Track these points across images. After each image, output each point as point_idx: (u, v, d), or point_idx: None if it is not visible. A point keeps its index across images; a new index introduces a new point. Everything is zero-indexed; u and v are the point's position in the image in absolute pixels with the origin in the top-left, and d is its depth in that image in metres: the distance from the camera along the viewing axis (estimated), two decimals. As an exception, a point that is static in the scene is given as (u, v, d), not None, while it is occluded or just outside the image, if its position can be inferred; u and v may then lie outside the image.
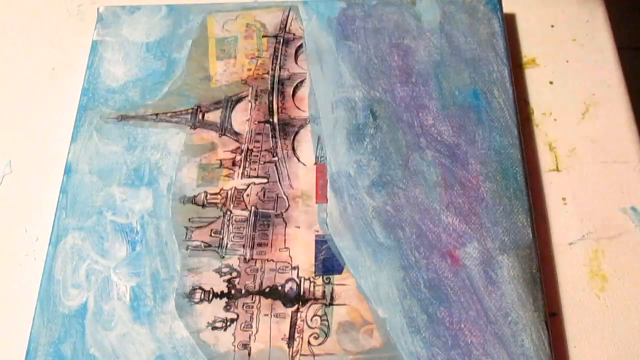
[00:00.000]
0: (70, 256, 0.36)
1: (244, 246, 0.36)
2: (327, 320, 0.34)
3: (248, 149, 0.39)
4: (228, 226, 0.37)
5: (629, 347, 0.34)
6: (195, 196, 0.38)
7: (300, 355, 0.33)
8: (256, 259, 0.36)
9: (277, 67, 0.43)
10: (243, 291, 0.35)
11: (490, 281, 0.34)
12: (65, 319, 0.34)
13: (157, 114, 0.41)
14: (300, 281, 0.35)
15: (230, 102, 0.41)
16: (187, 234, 0.37)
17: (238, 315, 0.34)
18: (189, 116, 0.41)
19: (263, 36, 0.44)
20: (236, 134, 0.40)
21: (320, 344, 0.33)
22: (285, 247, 0.36)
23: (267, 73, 0.42)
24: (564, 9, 0.46)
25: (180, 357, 0.33)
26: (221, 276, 0.35)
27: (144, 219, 0.37)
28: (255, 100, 0.41)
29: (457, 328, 0.33)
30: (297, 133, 0.40)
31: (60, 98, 0.44)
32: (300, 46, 0.43)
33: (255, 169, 0.39)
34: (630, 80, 0.42)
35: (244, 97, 0.42)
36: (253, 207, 0.37)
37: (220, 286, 0.35)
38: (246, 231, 0.37)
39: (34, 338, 0.34)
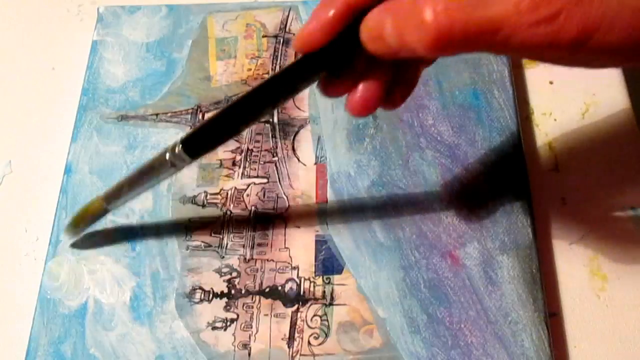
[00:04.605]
0: (70, 256, 0.36)
1: (244, 246, 0.36)
2: (327, 320, 0.34)
3: (248, 149, 0.39)
4: (228, 226, 0.37)
5: (629, 347, 0.34)
6: (195, 196, 0.38)
7: (300, 355, 0.33)
8: (256, 259, 0.36)
9: (277, 67, 0.43)
10: (243, 291, 0.35)
11: (490, 281, 0.34)
12: (65, 319, 0.34)
13: (157, 114, 0.41)
14: (300, 281, 0.35)
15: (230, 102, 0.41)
16: (187, 234, 0.37)
17: (238, 315, 0.34)
18: (189, 116, 0.41)
19: (263, 36, 0.44)
20: (236, 134, 0.40)
21: (320, 344, 0.33)
22: (285, 247, 0.36)
23: (267, 73, 0.42)
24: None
25: (180, 357, 0.33)
26: (221, 276, 0.35)
27: (144, 219, 0.37)
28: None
29: (457, 328, 0.33)
30: (297, 133, 0.40)
31: (60, 98, 0.44)
32: (300, 46, 0.43)
33: (255, 169, 0.39)
34: (630, 80, 0.42)
35: (244, 97, 0.42)
36: (253, 207, 0.37)
37: (220, 286, 0.35)
38: (246, 231, 0.37)
39: (34, 338, 0.34)
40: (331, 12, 0.25)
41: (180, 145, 0.29)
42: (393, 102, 0.28)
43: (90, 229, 0.36)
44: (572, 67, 0.24)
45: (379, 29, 0.24)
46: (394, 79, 0.28)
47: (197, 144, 0.29)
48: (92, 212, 0.35)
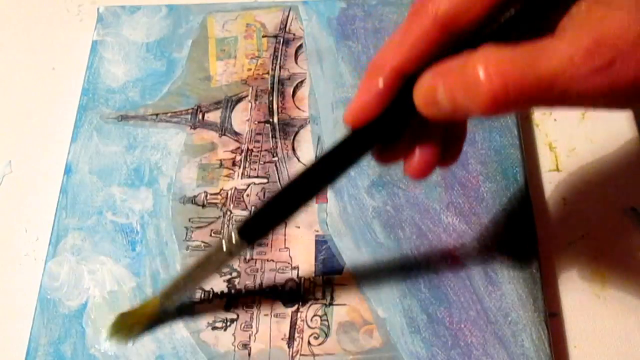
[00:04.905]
0: (70, 256, 0.36)
1: (244, 246, 0.36)
2: (327, 320, 0.34)
3: (248, 149, 0.39)
4: (228, 226, 0.37)
5: (629, 347, 0.34)
6: (195, 196, 0.38)
7: (300, 355, 0.33)
8: (256, 259, 0.36)
9: (277, 67, 0.43)
10: (243, 291, 0.35)
11: (490, 281, 0.34)
12: (65, 319, 0.34)
13: (157, 114, 0.41)
14: (300, 281, 0.35)
15: (230, 102, 0.41)
16: (187, 234, 0.37)
17: (238, 315, 0.34)
18: (189, 116, 0.41)
19: (263, 36, 0.44)
20: (236, 134, 0.40)
21: (320, 344, 0.33)
22: (285, 247, 0.36)
23: (267, 73, 0.42)
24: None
25: (180, 357, 0.33)
26: (221, 276, 0.35)
27: (144, 219, 0.37)
28: (255, 100, 0.41)
29: (457, 328, 0.33)
30: (297, 133, 0.40)
31: (60, 98, 0.44)
32: (300, 46, 0.43)
33: (255, 169, 0.39)
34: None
35: (244, 97, 0.42)
36: (253, 207, 0.37)
37: (220, 286, 0.35)
38: (246, 231, 0.37)
39: (34, 338, 0.34)
40: (381, 82, 0.24)
41: (237, 234, 0.29)
42: (449, 160, 0.28)
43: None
44: (627, 110, 0.23)
45: (432, 94, 0.23)
46: (446, 136, 0.27)
47: (253, 231, 0.29)
48: (149, 313, 0.33)
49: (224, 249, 0.30)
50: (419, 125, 0.26)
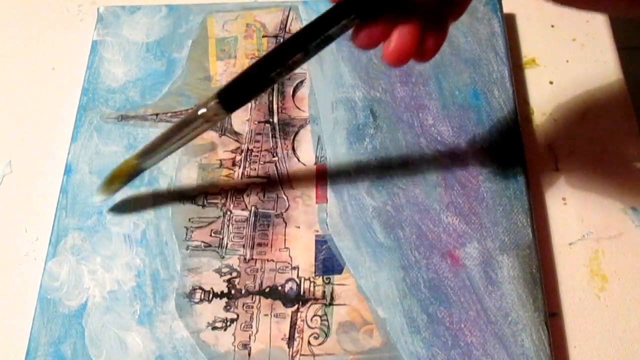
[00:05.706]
0: (70, 256, 0.36)
1: (244, 246, 0.36)
2: (327, 320, 0.34)
3: (248, 149, 0.39)
4: (228, 226, 0.37)
5: (629, 347, 0.34)
6: (195, 196, 0.38)
7: (300, 355, 0.33)
8: (256, 259, 0.36)
9: (277, 67, 0.43)
10: (243, 291, 0.35)
11: (490, 281, 0.34)
12: (65, 319, 0.34)
13: (157, 114, 0.41)
14: (300, 281, 0.35)
15: (230, 102, 0.41)
16: (187, 234, 0.37)
17: (238, 315, 0.34)
18: (189, 116, 0.41)
19: (263, 36, 0.44)
20: (236, 134, 0.40)
21: (320, 344, 0.33)
22: (285, 247, 0.36)
23: (267, 73, 0.42)
24: (564, 9, 0.46)
25: (180, 357, 0.33)
26: (221, 276, 0.35)
27: (144, 218, 0.37)
28: (255, 100, 0.41)
29: (457, 328, 0.33)
30: (297, 133, 0.40)
31: (60, 98, 0.44)
32: (300, 46, 0.43)
33: (255, 169, 0.39)
34: (630, 80, 0.42)
35: (244, 97, 0.42)
36: (253, 207, 0.37)
37: (220, 286, 0.35)
38: (246, 231, 0.37)
39: (34, 338, 0.34)
40: None
41: (217, 100, 0.29)
42: (425, 53, 0.29)
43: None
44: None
45: None
46: (425, 29, 0.28)
47: (233, 97, 0.29)
48: (126, 171, 0.35)
49: (201, 113, 0.30)
50: (398, 11, 0.27)
